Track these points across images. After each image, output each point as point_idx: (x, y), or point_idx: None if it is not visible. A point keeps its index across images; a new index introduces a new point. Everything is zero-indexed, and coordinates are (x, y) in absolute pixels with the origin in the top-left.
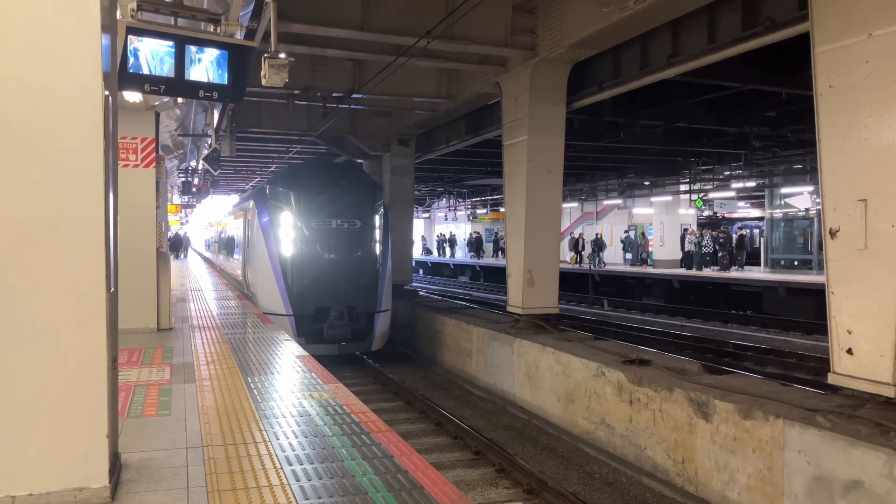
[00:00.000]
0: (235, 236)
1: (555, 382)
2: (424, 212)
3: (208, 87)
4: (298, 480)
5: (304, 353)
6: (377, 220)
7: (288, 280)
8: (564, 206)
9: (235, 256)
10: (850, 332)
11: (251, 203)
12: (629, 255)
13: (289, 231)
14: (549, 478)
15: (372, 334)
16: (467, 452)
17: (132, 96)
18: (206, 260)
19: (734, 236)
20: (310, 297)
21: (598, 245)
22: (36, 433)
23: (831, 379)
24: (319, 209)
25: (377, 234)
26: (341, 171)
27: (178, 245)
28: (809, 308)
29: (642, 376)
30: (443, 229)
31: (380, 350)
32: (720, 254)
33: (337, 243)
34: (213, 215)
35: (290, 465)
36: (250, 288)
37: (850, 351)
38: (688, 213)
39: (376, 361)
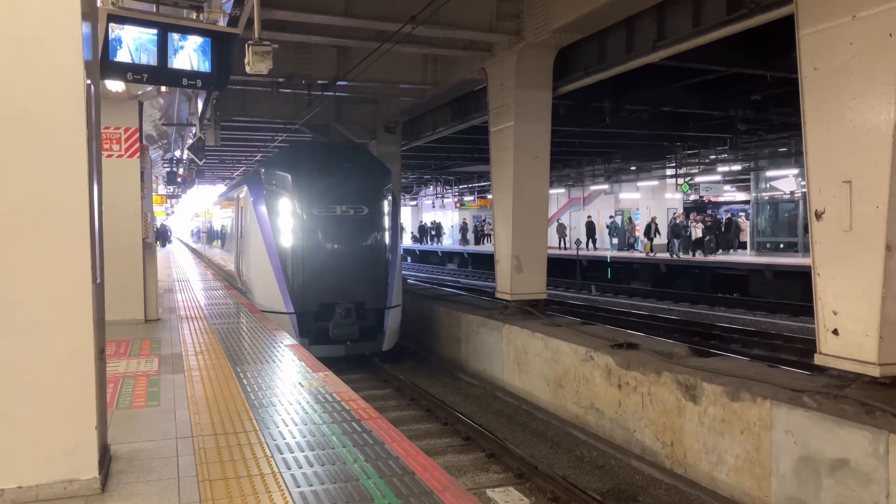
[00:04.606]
0: (227, 226)
1: (544, 368)
2: (412, 199)
3: (192, 75)
4: (290, 468)
5: (294, 342)
6: (385, 205)
7: (288, 274)
8: (551, 191)
9: (227, 248)
10: (835, 313)
11: (245, 188)
12: (615, 241)
13: (288, 219)
14: (540, 462)
15: (382, 333)
16: (458, 438)
17: (115, 85)
18: (195, 252)
19: (722, 220)
20: (313, 292)
21: (675, 233)
22: (24, 425)
23: (817, 360)
24: (322, 194)
25: (386, 222)
26: (345, 151)
27: (163, 235)
28: (795, 290)
29: (631, 360)
30: (430, 217)
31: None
32: (706, 237)
33: (342, 232)
34: (202, 203)
35: (281, 453)
36: (245, 283)
37: (835, 332)
38: (674, 198)
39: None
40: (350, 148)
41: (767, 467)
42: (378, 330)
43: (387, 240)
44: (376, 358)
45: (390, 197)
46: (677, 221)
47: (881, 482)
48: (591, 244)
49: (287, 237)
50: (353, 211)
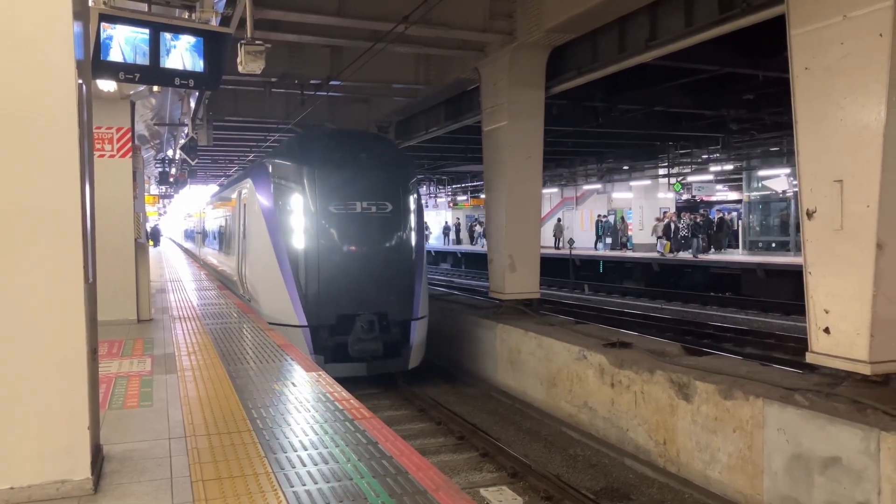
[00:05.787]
0: (228, 225)
1: (537, 367)
2: None
3: (184, 74)
4: (283, 468)
5: (287, 341)
6: (412, 202)
7: (300, 281)
8: (544, 191)
9: (228, 251)
10: (827, 312)
11: (249, 182)
12: (609, 240)
13: (300, 217)
14: (533, 461)
15: (408, 348)
16: (451, 438)
17: (107, 85)
18: (191, 256)
19: (714, 219)
20: (329, 302)
21: (694, 231)
22: (16, 426)
23: (809, 358)
24: (340, 189)
25: (412, 220)
26: (364, 139)
27: (155, 235)
28: (787, 289)
29: (623, 359)
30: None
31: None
32: (698, 236)
33: (363, 233)
34: (198, 200)
35: (275, 453)
36: (250, 291)
37: (827, 330)
38: (666, 197)
39: None
40: (369, 136)
41: (760, 465)
42: (403, 345)
43: (412, 241)
44: (401, 379)
45: (416, 192)
46: (697, 221)
47: (872, 480)
48: (601, 244)
49: (299, 239)
50: (376, 208)
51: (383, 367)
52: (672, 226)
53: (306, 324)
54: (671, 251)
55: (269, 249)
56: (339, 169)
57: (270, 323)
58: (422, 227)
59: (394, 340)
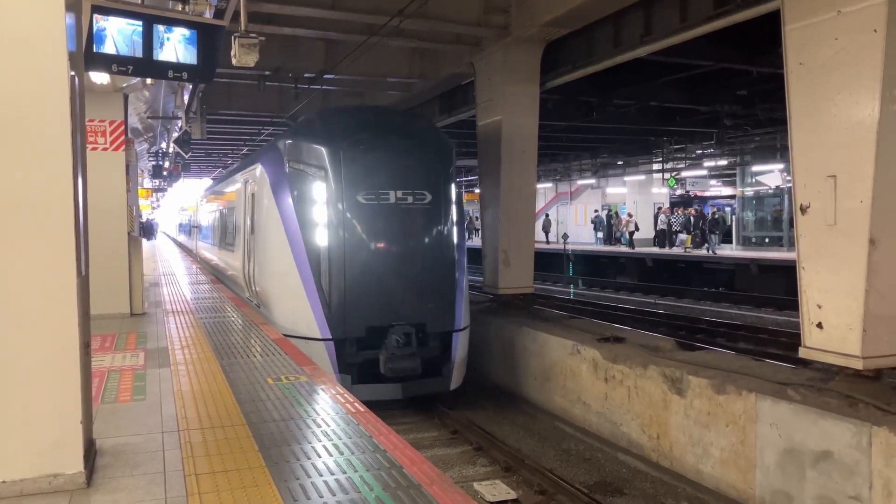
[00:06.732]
0: (232, 218)
1: (531, 361)
2: None
3: (177, 67)
4: (276, 462)
5: (281, 336)
6: (452, 192)
7: (322, 285)
8: (538, 186)
9: (232, 247)
10: (820, 307)
11: (258, 167)
12: (601, 235)
13: (322, 209)
14: (526, 455)
15: (449, 365)
16: (445, 432)
17: (99, 77)
18: (187, 251)
19: (707, 215)
20: (357, 311)
21: (712, 227)
22: (8, 420)
23: (802, 353)
24: (370, 174)
25: (454, 213)
26: (397, 117)
27: (149, 229)
28: (780, 284)
29: (617, 354)
30: None
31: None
32: (692, 232)
33: (397, 227)
34: (197, 190)
35: (268, 447)
36: (260, 295)
37: (820, 325)
38: (661, 192)
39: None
40: (403, 113)
41: (752, 459)
42: (444, 361)
43: (454, 238)
44: (440, 403)
45: (457, 180)
46: (715, 217)
47: (864, 474)
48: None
49: (321, 234)
50: (412, 198)
51: (421, 388)
52: (692, 220)
53: (330, 337)
54: (690, 245)
55: (285, 247)
56: (369, 151)
57: (286, 335)
58: (463, 222)
59: (433, 356)
